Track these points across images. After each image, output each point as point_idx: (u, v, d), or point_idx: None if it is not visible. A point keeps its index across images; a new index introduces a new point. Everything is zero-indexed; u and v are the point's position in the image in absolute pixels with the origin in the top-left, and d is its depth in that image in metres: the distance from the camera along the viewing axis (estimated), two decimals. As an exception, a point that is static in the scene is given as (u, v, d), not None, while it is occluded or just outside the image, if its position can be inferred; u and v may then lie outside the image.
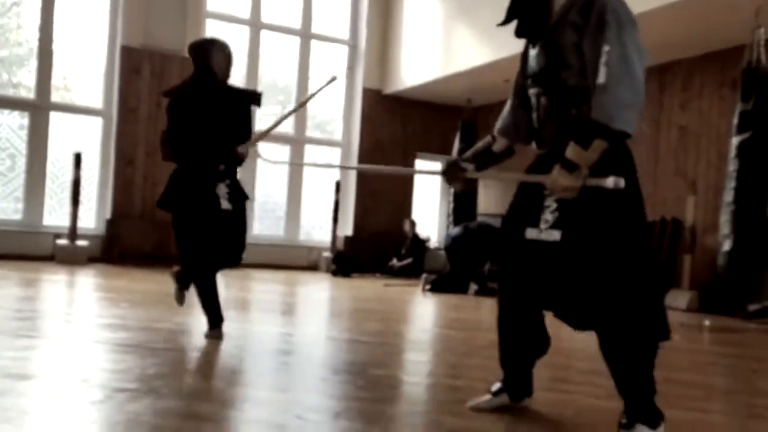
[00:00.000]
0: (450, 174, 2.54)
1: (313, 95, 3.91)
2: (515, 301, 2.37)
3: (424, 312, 6.02)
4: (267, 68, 9.82)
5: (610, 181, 1.98)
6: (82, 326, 4.05)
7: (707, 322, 5.66)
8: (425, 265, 9.06)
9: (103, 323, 4.09)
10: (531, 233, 2.20)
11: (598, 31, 2.04)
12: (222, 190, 3.64)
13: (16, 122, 7.95)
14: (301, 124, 9.56)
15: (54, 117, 8.11)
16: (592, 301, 2.10)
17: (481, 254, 7.40)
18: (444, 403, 2.66)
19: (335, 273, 8.55)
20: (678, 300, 6.53)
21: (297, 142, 9.52)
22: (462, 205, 8.71)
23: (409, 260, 9.09)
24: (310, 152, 9.69)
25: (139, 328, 3.92)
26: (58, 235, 7.80)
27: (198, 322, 4.60)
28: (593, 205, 2.08)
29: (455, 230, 7.67)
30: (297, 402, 2.56)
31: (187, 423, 2.20)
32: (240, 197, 3.76)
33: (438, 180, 10.51)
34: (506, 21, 2.30)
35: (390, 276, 8.76)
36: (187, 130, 3.61)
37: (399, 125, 9.75)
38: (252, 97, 3.88)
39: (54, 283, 6.02)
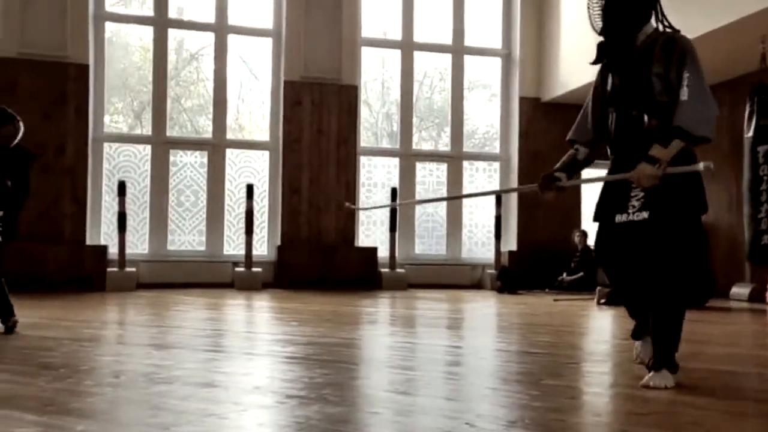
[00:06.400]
0: (545, 185, 3.07)
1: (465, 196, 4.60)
2: (622, 282, 2.99)
3: (599, 325, 5.57)
4: (422, 90, 9.90)
5: (701, 165, 2.60)
6: (256, 342, 4.23)
7: None
8: (598, 278, 8.46)
9: (275, 339, 4.24)
10: (620, 218, 2.84)
11: (680, 62, 2.76)
12: None
13: (198, 161, 8.70)
14: (457, 141, 9.47)
15: (229, 154, 8.77)
16: (667, 268, 2.75)
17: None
18: (632, 415, 2.36)
19: (500, 290, 8.26)
20: None
21: (454, 159, 9.43)
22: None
23: (579, 274, 8.55)
24: (468, 169, 9.55)
25: (307, 342, 4.00)
26: (236, 263, 8.34)
27: (364, 337, 4.61)
28: (672, 190, 2.73)
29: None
30: (466, 410, 2.42)
31: (354, 428, 2.17)
32: None
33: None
34: (598, 60, 2.99)
35: (559, 291, 8.28)
36: None
37: (560, 133, 9.24)
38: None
39: (233, 306, 6.41)
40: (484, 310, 6.58)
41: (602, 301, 6.79)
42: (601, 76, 3.05)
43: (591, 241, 9.01)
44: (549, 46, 9.21)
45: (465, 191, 9.27)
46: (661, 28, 2.95)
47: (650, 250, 2.76)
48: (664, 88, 2.78)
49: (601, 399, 2.68)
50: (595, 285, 7.55)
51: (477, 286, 9.04)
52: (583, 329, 5.23)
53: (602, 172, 3.16)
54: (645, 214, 2.75)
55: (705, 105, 2.71)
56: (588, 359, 3.73)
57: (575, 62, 8.61)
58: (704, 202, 2.85)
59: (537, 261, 8.82)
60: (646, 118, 2.83)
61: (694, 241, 2.80)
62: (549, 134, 9.15)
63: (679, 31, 2.92)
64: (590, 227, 9.39)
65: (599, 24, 2.91)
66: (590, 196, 9.73)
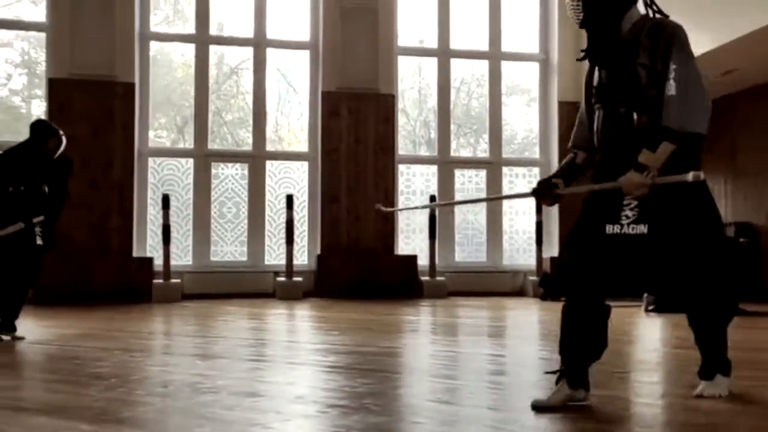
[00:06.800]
0: (541, 192, 2.81)
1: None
2: (585, 296, 2.57)
3: (648, 332, 5.45)
4: (459, 96, 9.87)
5: (690, 176, 2.33)
6: (298, 351, 4.27)
7: None
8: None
9: (316, 348, 4.27)
10: (612, 229, 2.52)
11: (666, 51, 2.49)
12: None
13: (239, 173, 8.85)
14: (496, 147, 9.40)
15: (268, 165, 8.89)
16: (682, 285, 2.59)
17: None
18: (686, 426, 2.29)
19: (543, 297, 8.14)
20: None
21: (493, 165, 9.36)
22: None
23: (624, 280, 8.35)
24: (508, 175, 9.46)
25: (348, 351, 4.01)
26: (277, 273, 8.43)
27: (405, 345, 4.59)
28: (672, 199, 2.48)
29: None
30: (511, 421, 2.38)
31: None
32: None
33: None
34: (585, 57, 2.73)
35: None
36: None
37: (600, 137, 9.14)
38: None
39: (275, 315, 6.48)
40: (526, 317, 6.49)
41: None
42: (590, 71, 2.80)
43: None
44: (588, 49, 9.07)
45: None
46: (650, 14, 2.69)
47: (658, 265, 2.56)
48: (652, 80, 2.52)
49: (652, 410, 2.61)
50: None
51: (519, 293, 8.93)
52: (630, 337, 5.11)
53: None
54: (643, 228, 2.47)
55: (695, 97, 2.44)
56: (636, 368, 3.64)
57: (615, 64, 8.45)
58: (713, 208, 2.63)
59: (580, 267, 8.66)
60: (635, 115, 2.56)
61: (710, 249, 2.58)
62: (590, 138, 9.00)
63: (668, 17, 2.67)
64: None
65: (580, 15, 2.67)
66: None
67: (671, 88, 2.44)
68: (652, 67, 2.52)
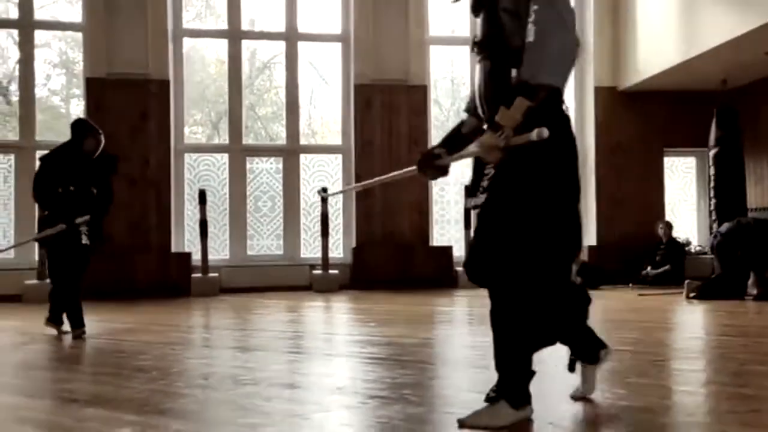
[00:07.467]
0: (423, 164, 2.48)
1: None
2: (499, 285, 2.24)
3: (690, 320, 5.33)
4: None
5: (533, 134, 1.95)
6: (336, 343, 4.30)
7: None
8: (686, 271, 8.10)
9: (354, 340, 4.29)
10: (469, 202, 2.29)
11: None
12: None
13: (273, 167, 8.93)
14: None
15: (302, 159, 8.94)
16: (493, 259, 2.12)
17: (759, 252, 6.40)
18: (730, 413, 2.24)
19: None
20: None
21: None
22: (727, 201, 7.63)
23: (665, 267, 8.20)
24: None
25: (386, 343, 4.02)
26: (313, 266, 8.49)
27: (441, 336, 4.59)
28: (519, 168, 2.09)
29: (725, 226, 6.75)
30: (550, 409, 2.35)
31: (436, 428, 2.18)
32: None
33: (694, 177, 9.43)
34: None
35: (644, 285, 7.98)
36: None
37: (640, 122, 8.95)
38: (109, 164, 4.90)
39: (312, 308, 6.53)
40: (564, 307, 6.42)
41: (692, 294, 6.49)
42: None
43: (676, 233, 8.65)
44: (625, 32, 8.87)
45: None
46: None
47: (483, 242, 2.17)
48: (517, 27, 2.12)
49: (694, 398, 2.56)
50: (683, 278, 7.23)
51: (556, 282, 8.82)
52: (671, 325, 5.02)
53: None
54: (483, 198, 2.17)
55: (551, 42, 2.02)
56: (677, 356, 3.57)
57: (654, 46, 8.27)
58: (563, 182, 2.17)
59: (618, 255, 8.53)
60: (514, 71, 2.13)
61: (539, 237, 2.13)
62: (629, 123, 8.89)
63: None
64: (675, 218, 9.04)
65: None
66: (674, 184, 9.33)
67: (531, 33, 2.04)
68: (516, 11, 2.14)
